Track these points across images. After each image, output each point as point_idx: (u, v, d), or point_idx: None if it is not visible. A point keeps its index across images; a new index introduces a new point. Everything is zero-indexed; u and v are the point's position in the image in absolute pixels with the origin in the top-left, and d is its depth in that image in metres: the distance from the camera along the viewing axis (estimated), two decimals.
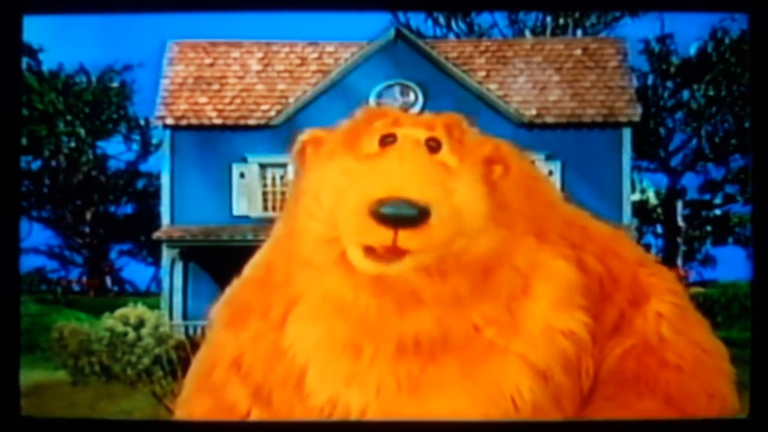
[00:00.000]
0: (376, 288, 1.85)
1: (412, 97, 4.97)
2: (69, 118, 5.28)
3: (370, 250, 1.80)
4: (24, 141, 4.61)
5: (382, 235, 1.77)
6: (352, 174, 1.86)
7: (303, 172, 2.03)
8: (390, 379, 1.90)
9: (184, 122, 5.13)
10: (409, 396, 1.90)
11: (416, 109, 4.95)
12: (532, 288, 1.94)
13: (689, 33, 4.95)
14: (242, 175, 5.06)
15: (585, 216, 2.22)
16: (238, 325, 2.08)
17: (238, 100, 5.18)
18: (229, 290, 2.20)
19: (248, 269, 2.20)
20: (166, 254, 5.07)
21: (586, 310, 1.97)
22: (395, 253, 1.79)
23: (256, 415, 2.05)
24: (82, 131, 5.33)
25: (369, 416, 1.92)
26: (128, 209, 5.53)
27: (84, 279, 5.33)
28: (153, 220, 5.09)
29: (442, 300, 1.87)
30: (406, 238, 1.77)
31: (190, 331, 4.85)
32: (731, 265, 4.93)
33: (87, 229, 5.43)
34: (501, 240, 1.89)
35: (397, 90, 4.98)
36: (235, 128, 5.13)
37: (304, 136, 2.05)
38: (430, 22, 5.25)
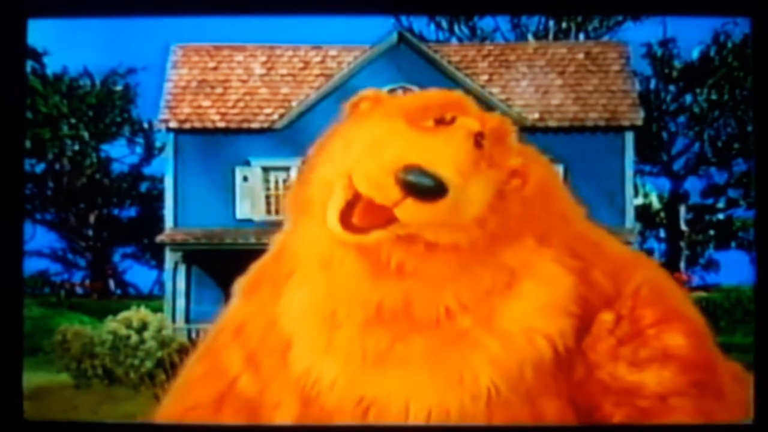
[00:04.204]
0: (359, 249, 1.88)
1: None
2: (73, 121, 5.29)
3: (345, 218, 1.83)
4: (28, 144, 4.62)
5: (389, 195, 1.79)
6: (397, 134, 1.89)
7: (348, 123, 2.07)
8: (356, 350, 1.93)
9: (187, 125, 5.14)
10: (372, 368, 1.93)
11: None
12: (520, 286, 1.96)
13: (692, 37, 4.95)
14: (245, 179, 5.06)
15: (604, 235, 2.22)
16: (251, 293, 2.16)
17: (241, 104, 5.18)
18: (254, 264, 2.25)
19: (272, 243, 2.25)
20: (170, 257, 5.07)
21: (580, 320, 1.98)
22: (375, 219, 1.82)
23: (246, 381, 2.09)
24: (85, 134, 5.34)
25: (337, 389, 1.95)
26: (132, 212, 5.53)
27: (87, 282, 5.33)
28: (156, 223, 5.09)
29: (417, 274, 1.90)
30: (405, 207, 1.79)
31: (193, 335, 4.85)
32: (734, 269, 4.92)
33: (90, 232, 5.43)
34: (472, 240, 1.90)
35: (399, 94, 4.98)
36: (239, 132, 5.13)
37: (366, 92, 2.11)
38: (432, 26, 5.26)
